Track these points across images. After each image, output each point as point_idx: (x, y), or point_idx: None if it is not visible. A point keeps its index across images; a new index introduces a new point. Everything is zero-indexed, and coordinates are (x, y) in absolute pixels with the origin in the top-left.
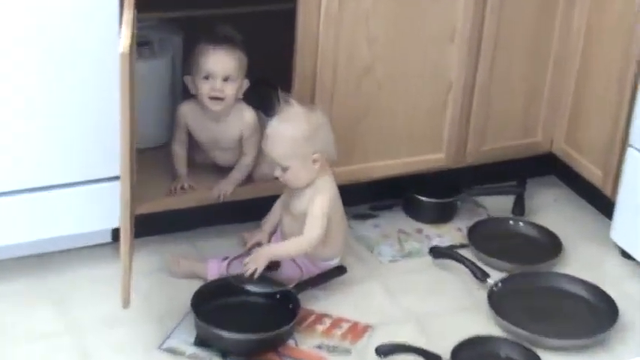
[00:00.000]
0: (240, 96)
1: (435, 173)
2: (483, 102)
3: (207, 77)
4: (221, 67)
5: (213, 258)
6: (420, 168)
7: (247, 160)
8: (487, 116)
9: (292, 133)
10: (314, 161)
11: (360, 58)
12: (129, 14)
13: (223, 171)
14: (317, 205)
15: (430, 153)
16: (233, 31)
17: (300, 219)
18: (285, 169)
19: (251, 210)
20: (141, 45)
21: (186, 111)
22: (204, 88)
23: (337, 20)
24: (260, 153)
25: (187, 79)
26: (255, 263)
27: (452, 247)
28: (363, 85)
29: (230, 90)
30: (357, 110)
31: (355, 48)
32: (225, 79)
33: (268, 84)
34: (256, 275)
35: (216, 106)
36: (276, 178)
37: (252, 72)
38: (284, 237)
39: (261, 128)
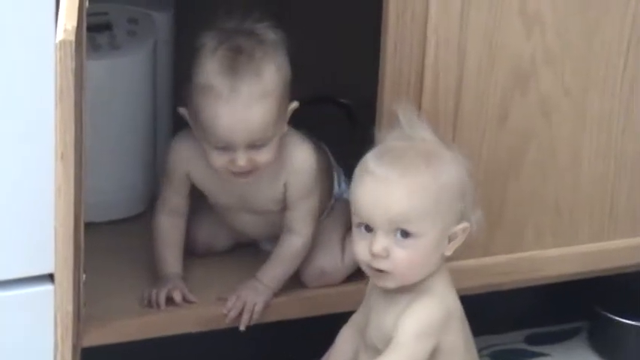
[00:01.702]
0: (284, 129)
1: None
2: None
3: (220, 147)
4: (247, 133)
5: None
6: (623, 263)
7: (296, 243)
8: None
9: (442, 175)
10: (451, 239)
11: (509, 56)
12: None
13: (246, 263)
14: (413, 319)
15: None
16: (269, 29)
17: None
18: (407, 239)
19: (300, 344)
20: (97, 30)
21: (186, 153)
22: (219, 162)
23: None
24: (325, 230)
25: (183, 114)
26: None
27: None
28: (515, 109)
29: (264, 157)
30: (505, 159)
31: (500, 35)
32: (255, 145)
33: (336, 103)
34: None
35: (242, 181)
36: (370, 268)
37: (308, 80)
38: None
39: (323, 179)
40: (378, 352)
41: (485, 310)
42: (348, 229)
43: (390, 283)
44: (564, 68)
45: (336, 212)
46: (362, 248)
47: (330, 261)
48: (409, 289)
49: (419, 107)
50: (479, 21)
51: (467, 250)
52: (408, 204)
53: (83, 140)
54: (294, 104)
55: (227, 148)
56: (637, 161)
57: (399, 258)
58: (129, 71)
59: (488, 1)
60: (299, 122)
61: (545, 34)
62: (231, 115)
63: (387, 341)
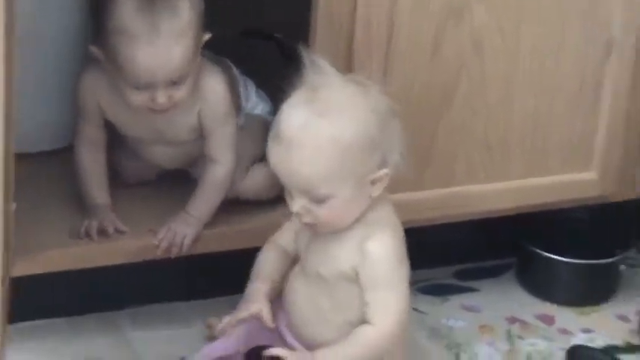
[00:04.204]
0: (198, 60)
1: (580, 211)
2: None
3: (140, 87)
4: (167, 72)
5: None
6: (553, 199)
7: (218, 171)
8: None
9: (343, 134)
10: (373, 183)
11: None
12: None
13: (176, 193)
14: (383, 259)
15: (572, 171)
16: None
17: (334, 287)
18: (320, 202)
19: (230, 273)
20: None
21: (95, 85)
22: (138, 101)
23: None
24: (247, 157)
25: (96, 54)
26: None
27: (610, 351)
28: (448, 43)
29: (182, 93)
30: (437, 92)
31: None
32: (175, 83)
33: (263, 35)
34: None
35: (159, 115)
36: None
37: (231, 12)
38: (297, 321)
39: (232, 104)
40: (324, 280)
41: (415, 245)
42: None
43: (323, 231)
44: (498, 1)
45: (247, 131)
46: (289, 204)
47: (246, 183)
48: (356, 226)
49: (351, 41)
50: None
51: (398, 184)
52: (310, 171)
53: (12, 69)
54: (207, 36)
55: (146, 86)
56: (569, 97)
57: (319, 215)
58: (61, 3)
59: None
60: (231, 56)
61: None
62: (151, 56)
63: (340, 275)
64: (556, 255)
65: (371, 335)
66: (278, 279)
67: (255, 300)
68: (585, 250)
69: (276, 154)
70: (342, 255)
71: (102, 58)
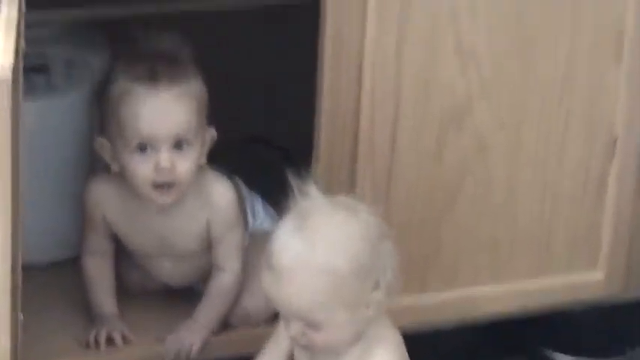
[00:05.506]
0: (203, 160)
1: (588, 311)
2: None
3: (143, 148)
4: (169, 126)
5: None
6: (560, 300)
7: (226, 279)
8: None
9: (334, 265)
10: (368, 306)
11: (444, 91)
12: (12, 12)
13: (183, 302)
14: None
15: (578, 270)
16: (176, 38)
17: None
18: (316, 327)
19: None
20: (33, 71)
21: (102, 194)
22: (142, 170)
23: (401, 21)
24: (248, 267)
25: (101, 145)
26: None
27: None
28: (451, 144)
29: (186, 164)
30: (440, 193)
31: (435, 71)
32: (177, 146)
33: (266, 143)
34: None
35: (164, 198)
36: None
37: (232, 120)
38: None
39: (241, 209)
40: None
41: (425, 349)
42: None
43: (320, 352)
44: (500, 103)
45: (257, 246)
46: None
47: (254, 302)
48: (357, 341)
49: (356, 145)
50: (414, 59)
51: (401, 287)
52: (302, 302)
53: (19, 182)
54: (213, 131)
55: (150, 148)
56: (573, 196)
57: (316, 339)
58: (65, 112)
59: (424, 39)
60: (233, 165)
61: (480, 69)
62: (153, 108)
63: None
64: (567, 354)
65: None
66: None
67: None
68: (596, 349)
69: (269, 282)
70: None
71: (107, 148)
